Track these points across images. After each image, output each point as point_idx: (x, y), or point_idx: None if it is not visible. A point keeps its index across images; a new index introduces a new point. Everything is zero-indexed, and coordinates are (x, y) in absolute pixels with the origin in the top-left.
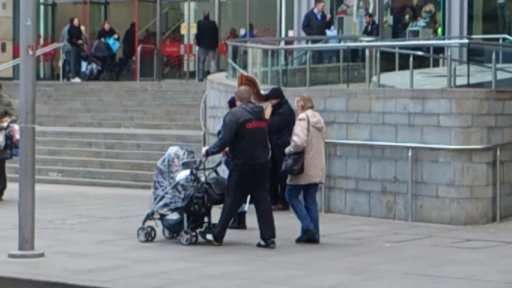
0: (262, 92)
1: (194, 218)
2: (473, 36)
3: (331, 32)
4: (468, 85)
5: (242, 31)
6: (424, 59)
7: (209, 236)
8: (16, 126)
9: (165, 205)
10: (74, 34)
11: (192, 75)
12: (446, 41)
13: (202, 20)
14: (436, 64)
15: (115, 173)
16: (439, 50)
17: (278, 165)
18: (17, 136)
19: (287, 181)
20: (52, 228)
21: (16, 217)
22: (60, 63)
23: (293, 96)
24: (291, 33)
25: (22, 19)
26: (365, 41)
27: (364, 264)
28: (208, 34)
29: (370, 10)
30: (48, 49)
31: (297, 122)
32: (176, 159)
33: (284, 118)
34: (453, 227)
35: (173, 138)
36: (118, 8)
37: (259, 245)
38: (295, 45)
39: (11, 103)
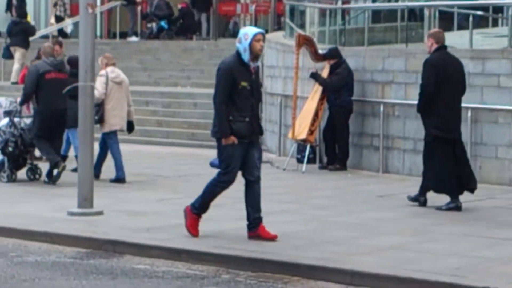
0: (320, 51)
1: (14, 159)
2: None
3: None
4: None
5: None
6: (483, 19)
7: (46, 179)
8: None
9: None
10: None
11: None
12: (506, 1)
13: None
14: (495, 24)
15: (171, 132)
16: (499, 9)
17: (337, 124)
18: None
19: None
20: (111, 186)
21: (75, 176)
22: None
23: (351, 56)
24: None
25: None
26: (424, 1)
27: (423, 225)
28: None
29: None
30: (106, 7)
31: (97, 78)
32: (0, 109)
33: (342, 78)
34: None
35: None
36: None
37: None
38: (353, 5)
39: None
